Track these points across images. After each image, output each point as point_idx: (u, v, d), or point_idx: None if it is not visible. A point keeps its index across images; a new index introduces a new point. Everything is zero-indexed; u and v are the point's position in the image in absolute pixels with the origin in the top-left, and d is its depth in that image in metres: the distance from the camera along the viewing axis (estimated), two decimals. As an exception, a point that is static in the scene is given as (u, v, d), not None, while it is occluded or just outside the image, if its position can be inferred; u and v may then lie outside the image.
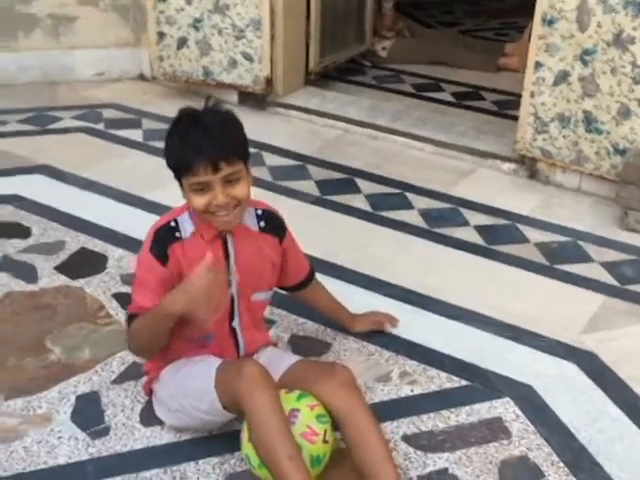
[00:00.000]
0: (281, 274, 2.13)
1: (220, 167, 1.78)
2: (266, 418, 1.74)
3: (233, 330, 2.02)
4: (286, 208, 3.23)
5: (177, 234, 1.90)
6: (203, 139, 1.77)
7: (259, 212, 2.02)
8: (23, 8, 4.47)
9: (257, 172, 3.52)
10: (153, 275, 1.88)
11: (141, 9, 4.47)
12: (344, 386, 1.89)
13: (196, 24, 4.21)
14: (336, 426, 1.88)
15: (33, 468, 1.94)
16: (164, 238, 1.90)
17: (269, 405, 1.76)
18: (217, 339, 1.99)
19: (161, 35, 4.30)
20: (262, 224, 2.01)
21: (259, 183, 3.44)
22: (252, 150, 3.66)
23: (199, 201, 1.82)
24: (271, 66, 4.19)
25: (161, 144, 3.86)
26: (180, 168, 1.82)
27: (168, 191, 3.19)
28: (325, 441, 1.84)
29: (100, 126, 4.04)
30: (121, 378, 2.24)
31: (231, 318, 2.00)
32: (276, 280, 2.12)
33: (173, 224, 1.91)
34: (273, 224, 2.05)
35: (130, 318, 1.92)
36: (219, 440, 2.04)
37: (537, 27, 3.34)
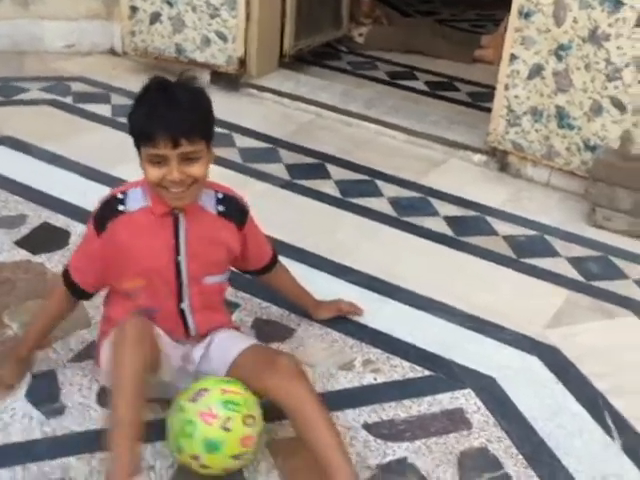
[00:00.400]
0: (242, 259, 2.10)
1: (180, 143, 1.74)
2: (123, 377, 1.73)
3: (182, 311, 1.98)
4: (255, 191, 3.26)
5: (120, 207, 1.88)
6: (168, 112, 1.74)
7: (220, 196, 1.97)
8: (-8, -25, 4.36)
9: (227, 153, 3.52)
10: (86, 244, 1.97)
11: (114, -19, 4.38)
12: (288, 379, 1.84)
13: (170, 0, 4.13)
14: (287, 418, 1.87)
15: (-13, 446, 1.89)
16: (107, 209, 1.90)
17: (130, 367, 1.74)
18: (164, 319, 1.95)
19: (134, 9, 4.22)
20: (220, 208, 1.96)
21: (228, 164, 3.43)
22: (222, 131, 3.74)
23: (153, 173, 1.79)
24: (245, 47, 4.14)
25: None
26: (141, 137, 1.78)
27: (134, 167, 3.16)
28: (225, 428, 1.75)
29: (68, 99, 3.95)
30: (79, 357, 2.20)
31: (179, 299, 1.96)
32: (234, 264, 2.10)
33: (120, 196, 1.90)
34: (232, 209, 1.99)
35: (65, 273, 2.02)
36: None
37: (514, 19, 3.33)
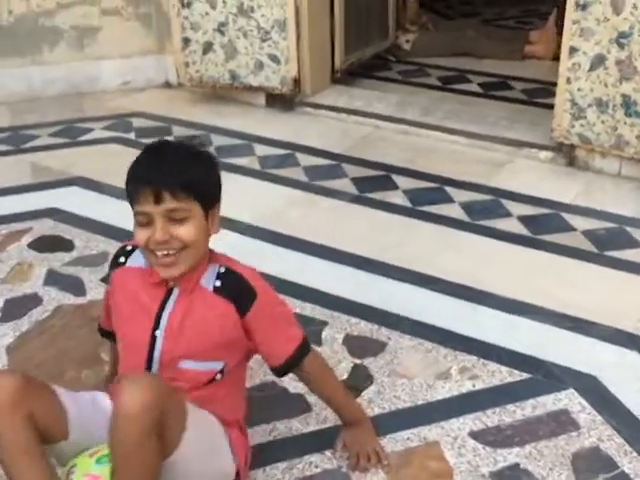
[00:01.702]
0: (255, 350, 1.81)
1: (163, 198, 1.55)
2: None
3: None
4: (324, 207, 3.28)
5: (122, 259, 1.77)
6: (152, 165, 1.60)
7: (221, 270, 1.70)
8: (47, 21, 4.48)
9: (292, 173, 3.56)
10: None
11: (164, 16, 4.46)
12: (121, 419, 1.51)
13: (221, 28, 4.19)
14: None
15: None
16: (114, 257, 1.80)
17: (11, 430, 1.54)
18: None
19: (186, 41, 4.29)
20: (217, 283, 1.68)
21: (295, 184, 3.47)
22: (284, 151, 3.77)
23: (140, 235, 1.60)
24: (298, 66, 4.17)
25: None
26: (127, 195, 1.64)
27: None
28: None
29: (131, 135, 4.03)
30: (180, 387, 2.23)
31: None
32: (226, 354, 1.74)
33: (129, 248, 1.79)
34: (233, 287, 1.68)
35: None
36: (285, 444, 2.02)
37: (570, 12, 3.30)
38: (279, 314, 1.76)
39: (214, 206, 1.66)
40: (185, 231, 1.59)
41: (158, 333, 1.69)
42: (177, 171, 1.58)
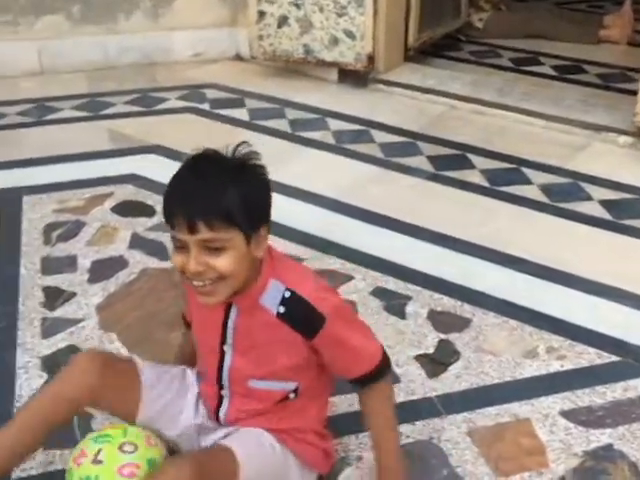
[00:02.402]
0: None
1: (197, 228, 1.41)
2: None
3: (221, 397, 1.72)
4: (402, 185, 3.28)
5: None
6: (187, 189, 1.45)
7: (286, 294, 1.54)
8: (123, -10, 4.52)
9: (368, 149, 3.55)
10: None
11: (240, -12, 4.48)
12: None
13: (297, 2, 4.18)
14: None
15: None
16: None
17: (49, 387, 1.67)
18: (205, 390, 1.75)
19: (261, 14, 4.29)
20: (281, 309, 1.55)
21: (371, 160, 3.46)
22: (359, 127, 3.77)
23: (176, 259, 1.48)
24: (373, 43, 4.15)
25: (268, 123, 3.93)
26: (163, 214, 1.50)
27: (284, 172, 3.27)
28: (96, 461, 1.57)
29: (205, 106, 4.06)
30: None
31: (220, 386, 1.70)
32: (297, 376, 1.65)
33: None
34: (298, 314, 1.55)
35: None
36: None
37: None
38: (350, 333, 1.60)
39: (259, 229, 1.49)
40: (222, 262, 1.45)
41: (226, 348, 1.63)
42: (214, 197, 1.42)
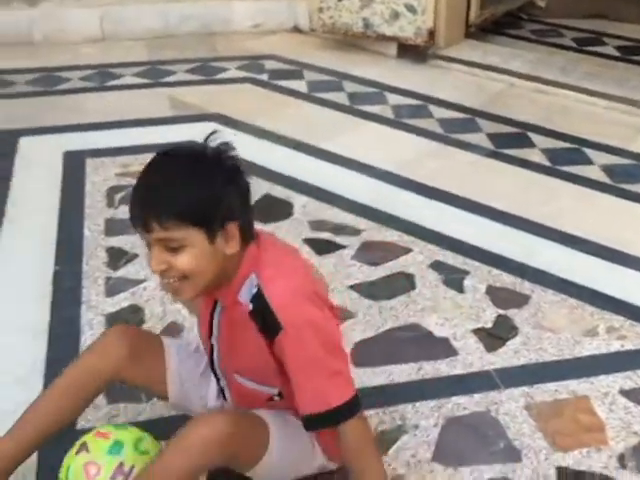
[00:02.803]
0: None
1: (151, 227, 1.38)
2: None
3: (222, 388, 1.72)
4: (460, 161, 3.26)
5: None
6: (144, 187, 1.41)
7: (253, 291, 1.47)
8: (186, -42, 4.54)
9: (427, 124, 3.53)
10: None
11: (301, -40, 4.47)
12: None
13: (359, -25, 4.17)
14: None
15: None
16: None
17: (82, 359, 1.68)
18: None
19: (322, -14, 4.28)
20: (251, 306, 1.48)
21: (430, 135, 3.45)
22: (417, 102, 3.75)
23: (147, 258, 1.46)
24: (434, 18, 4.11)
25: (327, 95, 3.92)
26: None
27: (342, 144, 3.27)
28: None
29: (264, 77, 4.07)
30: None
31: (217, 378, 1.70)
32: (279, 381, 1.56)
33: None
34: (260, 315, 1.47)
35: None
36: (433, 384, 2.05)
37: None
38: (311, 359, 1.45)
39: (224, 226, 1.42)
40: (181, 261, 1.40)
41: (213, 341, 1.62)
42: (167, 198, 1.37)
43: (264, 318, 1.45)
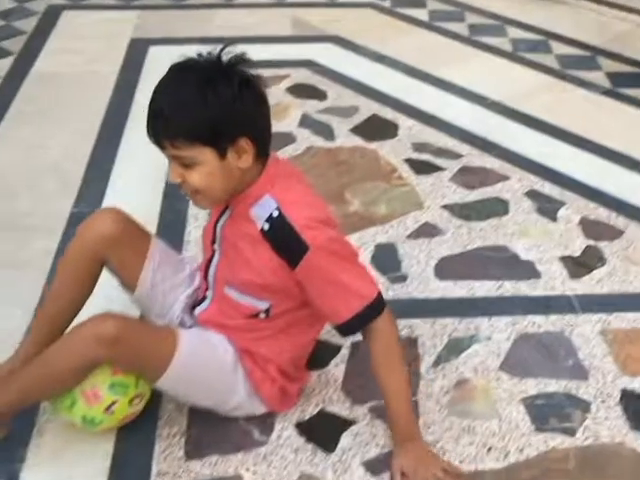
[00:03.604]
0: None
1: (164, 145, 1.45)
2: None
3: (205, 297, 1.75)
4: (574, 97, 3.22)
5: None
6: (157, 105, 1.45)
7: (275, 214, 1.50)
8: None
9: (544, 59, 3.49)
10: None
11: None
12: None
13: None
14: None
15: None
16: None
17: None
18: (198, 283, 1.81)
19: None
20: (266, 226, 1.51)
21: (546, 70, 3.41)
22: (535, 37, 3.69)
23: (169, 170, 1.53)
24: (566, -49, 4.01)
25: (447, 26, 3.90)
26: None
27: (456, 70, 3.29)
28: (109, 411, 1.62)
29: (387, 3, 4.10)
30: (416, 234, 2.36)
31: (206, 286, 1.74)
32: (271, 298, 1.61)
33: None
34: (280, 239, 1.50)
35: None
36: (511, 302, 2.12)
37: None
38: (340, 268, 1.52)
39: (235, 141, 1.44)
40: (193, 178, 1.46)
41: (216, 247, 1.66)
42: (176, 117, 1.41)
43: (285, 240, 1.49)
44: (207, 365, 1.65)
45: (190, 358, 1.61)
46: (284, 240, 1.49)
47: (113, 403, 1.61)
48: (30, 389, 1.60)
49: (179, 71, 1.46)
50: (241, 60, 1.47)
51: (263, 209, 1.51)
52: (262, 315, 1.63)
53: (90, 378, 1.58)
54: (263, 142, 1.51)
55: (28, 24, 3.73)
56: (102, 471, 1.65)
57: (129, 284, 1.77)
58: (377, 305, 1.56)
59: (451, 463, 1.65)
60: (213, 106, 1.41)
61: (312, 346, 1.80)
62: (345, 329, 1.59)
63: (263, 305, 1.62)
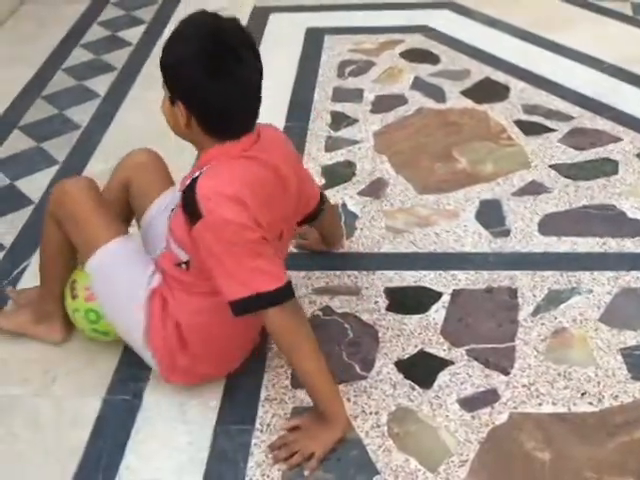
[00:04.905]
0: None
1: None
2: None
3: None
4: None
5: None
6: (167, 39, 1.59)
7: (195, 177, 1.58)
8: None
9: (619, 6, 3.47)
10: None
11: None
12: None
13: None
14: None
15: (442, 250, 2.21)
16: None
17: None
18: None
19: None
20: (184, 190, 1.61)
21: (620, 17, 3.40)
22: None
23: None
24: None
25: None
26: None
27: (570, 34, 3.27)
28: None
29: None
30: (521, 192, 2.40)
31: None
32: (190, 251, 1.64)
33: None
34: (186, 199, 1.57)
35: None
36: (615, 258, 2.14)
37: None
38: (226, 252, 1.54)
39: (176, 100, 1.55)
40: (162, 104, 1.61)
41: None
42: (163, 53, 1.55)
43: (188, 201, 1.55)
44: (121, 281, 1.77)
45: (110, 259, 1.76)
46: (187, 201, 1.56)
47: None
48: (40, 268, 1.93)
49: (192, 16, 1.55)
50: (242, 37, 1.52)
51: (192, 177, 1.60)
52: (183, 266, 1.68)
53: (79, 282, 1.84)
54: (205, 119, 1.56)
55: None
56: (216, 394, 1.81)
57: (139, 217, 1.97)
58: (269, 297, 1.55)
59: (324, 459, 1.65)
60: (169, 57, 1.53)
61: (238, 342, 1.79)
62: (231, 308, 1.58)
63: (183, 256, 1.66)
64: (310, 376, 1.64)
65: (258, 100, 1.58)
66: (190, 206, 1.54)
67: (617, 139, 2.62)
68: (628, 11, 3.55)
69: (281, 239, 1.71)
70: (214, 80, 1.49)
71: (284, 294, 1.57)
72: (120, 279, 1.77)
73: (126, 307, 1.75)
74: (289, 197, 1.70)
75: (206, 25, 1.52)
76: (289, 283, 1.59)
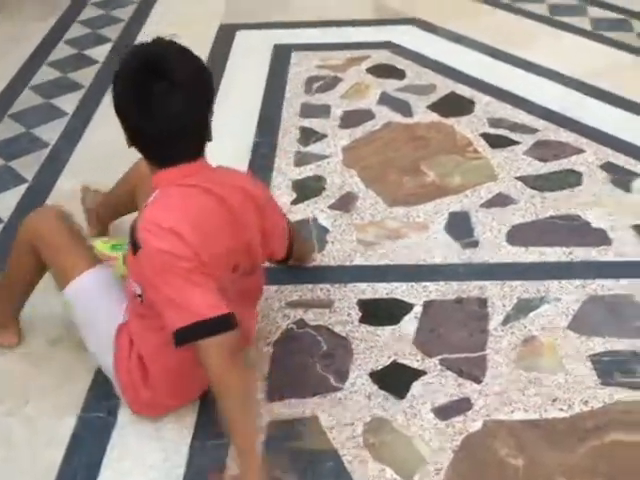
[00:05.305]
0: None
1: None
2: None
3: None
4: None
5: None
6: None
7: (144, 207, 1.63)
8: None
9: (625, 37, 3.55)
10: None
11: None
12: None
13: None
14: None
15: (413, 262, 2.24)
16: None
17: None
18: None
19: None
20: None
21: (627, 48, 3.46)
22: (618, 16, 3.69)
23: None
24: None
25: (525, 6, 3.92)
26: None
27: (532, 49, 3.33)
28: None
29: (466, -15, 4.15)
30: (489, 204, 2.44)
31: None
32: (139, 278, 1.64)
33: None
34: (131, 226, 1.62)
35: None
36: (581, 267, 2.18)
37: None
38: (162, 281, 1.53)
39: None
40: None
41: None
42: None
43: (132, 234, 1.58)
44: (98, 311, 1.79)
45: (85, 293, 1.79)
46: (131, 231, 1.60)
47: (124, 257, 1.90)
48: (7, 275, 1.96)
49: (137, 47, 1.62)
50: (170, 68, 1.52)
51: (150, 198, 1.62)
52: (138, 299, 1.67)
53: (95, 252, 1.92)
54: (136, 145, 1.60)
55: (125, 13, 3.94)
56: (192, 410, 1.81)
57: (133, 208, 2.09)
58: (207, 325, 1.51)
59: None
60: (118, 88, 1.58)
61: (197, 373, 1.61)
62: (173, 338, 1.54)
63: (137, 289, 1.66)
64: (233, 425, 1.54)
65: (188, 130, 1.57)
66: (132, 237, 1.58)
67: (580, 151, 2.68)
68: (587, 26, 3.64)
69: (235, 271, 1.67)
70: (141, 114, 1.53)
71: (223, 323, 1.52)
72: (97, 309, 1.79)
73: (100, 336, 1.78)
74: (241, 229, 1.65)
75: (139, 60, 1.56)
76: (230, 315, 1.53)
